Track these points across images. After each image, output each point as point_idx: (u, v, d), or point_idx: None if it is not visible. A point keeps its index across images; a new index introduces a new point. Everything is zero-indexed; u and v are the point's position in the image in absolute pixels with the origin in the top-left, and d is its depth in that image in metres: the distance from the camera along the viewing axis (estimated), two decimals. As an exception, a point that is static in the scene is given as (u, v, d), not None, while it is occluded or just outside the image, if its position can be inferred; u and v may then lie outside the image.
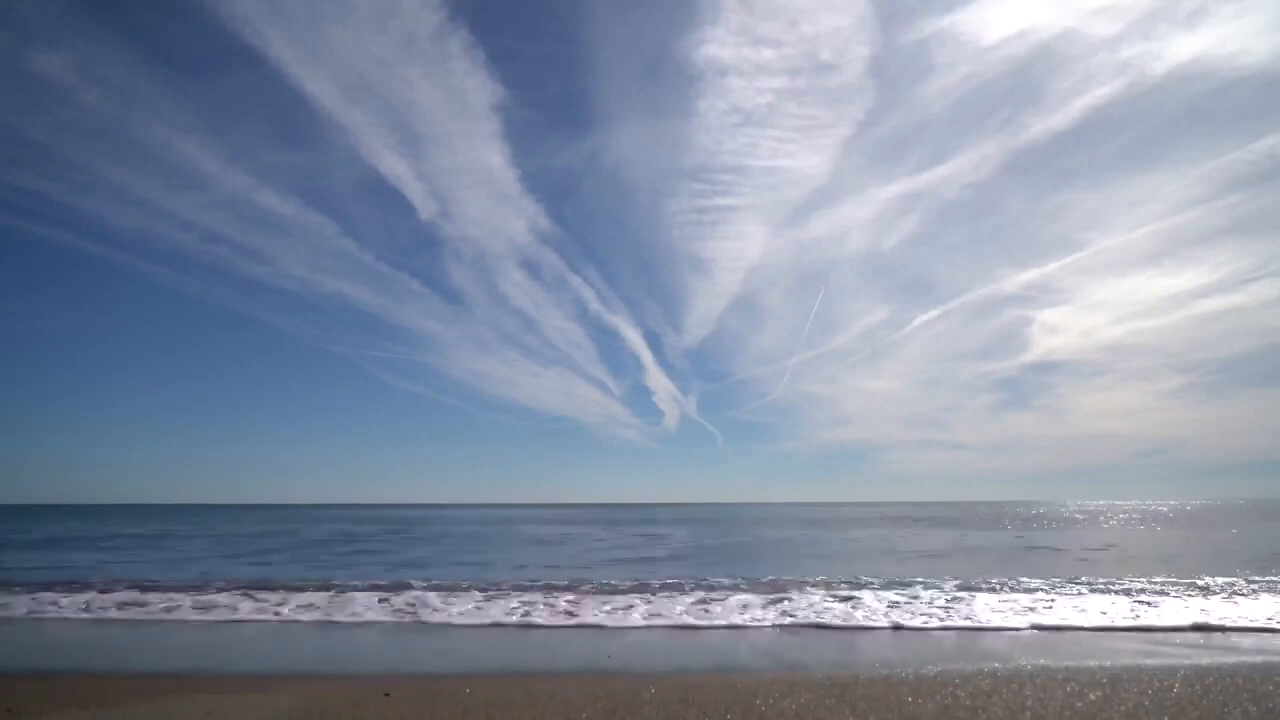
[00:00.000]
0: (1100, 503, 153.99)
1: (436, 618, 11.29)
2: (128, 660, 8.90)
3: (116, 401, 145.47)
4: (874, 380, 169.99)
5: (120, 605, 12.66)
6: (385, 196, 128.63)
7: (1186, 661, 7.90)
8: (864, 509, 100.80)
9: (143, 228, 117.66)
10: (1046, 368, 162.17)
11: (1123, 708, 5.92)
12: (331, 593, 13.94)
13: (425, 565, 20.77)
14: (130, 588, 15.17)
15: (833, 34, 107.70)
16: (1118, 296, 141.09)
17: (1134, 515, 64.47)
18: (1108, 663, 7.78)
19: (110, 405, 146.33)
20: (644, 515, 67.72)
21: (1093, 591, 13.96)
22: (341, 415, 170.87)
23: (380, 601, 12.74)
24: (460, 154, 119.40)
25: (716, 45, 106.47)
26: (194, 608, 12.25)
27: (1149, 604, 12.09)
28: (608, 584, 15.53)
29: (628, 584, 15.35)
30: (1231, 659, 8.08)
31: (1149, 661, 7.90)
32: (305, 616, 11.56)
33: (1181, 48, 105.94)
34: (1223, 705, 6.00)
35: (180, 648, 9.45)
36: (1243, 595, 13.25)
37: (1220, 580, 15.39)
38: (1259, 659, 8.12)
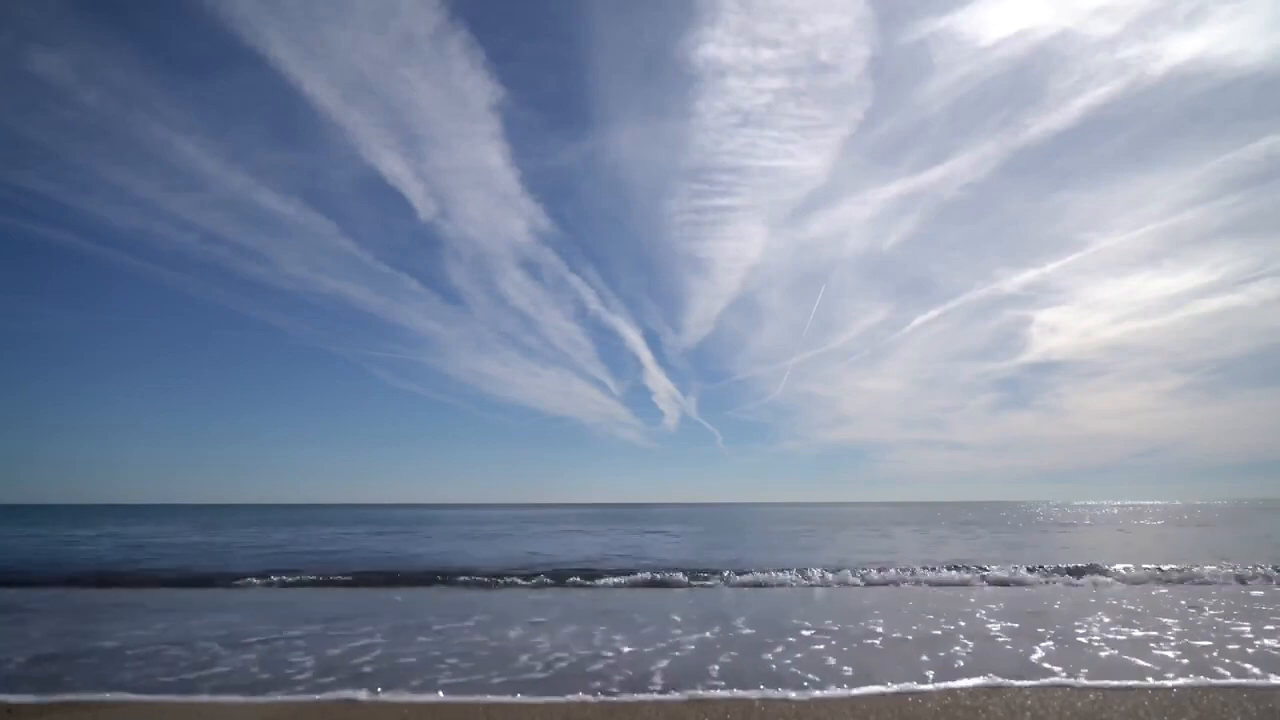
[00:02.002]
0: (1119, 503, 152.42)
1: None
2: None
3: (116, 401, 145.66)
4: (874, 380, 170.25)
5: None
6: (385, 196, 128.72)
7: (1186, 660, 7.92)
8: (882, 509, 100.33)
9: (143, 228, 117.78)
10: (1046, 368, 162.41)
11: (1122, 708, 5.93)
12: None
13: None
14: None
15: (831, 34, 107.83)
16: (1117, 296, 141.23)
17: (1182, 514, 61.68)
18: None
19: (110, 405, 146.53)
20: (658, 515, 67.51)
21: None
22: (341, 415, 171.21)
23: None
24: (459, 154, 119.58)
25: (715, 45, 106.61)
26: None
27: None
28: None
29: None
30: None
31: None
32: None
33: (1180, 48, 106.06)
34: (1223, 705, 6.01)
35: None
36: None
37: None
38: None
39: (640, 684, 6.90)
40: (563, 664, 7.82)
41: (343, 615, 11.22)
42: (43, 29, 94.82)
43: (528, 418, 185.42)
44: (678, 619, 10.70)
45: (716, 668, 7.54)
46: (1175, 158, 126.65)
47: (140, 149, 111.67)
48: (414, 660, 8.03)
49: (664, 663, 7.81)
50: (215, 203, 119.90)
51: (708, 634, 9.50)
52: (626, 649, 8.57)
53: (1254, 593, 13.91)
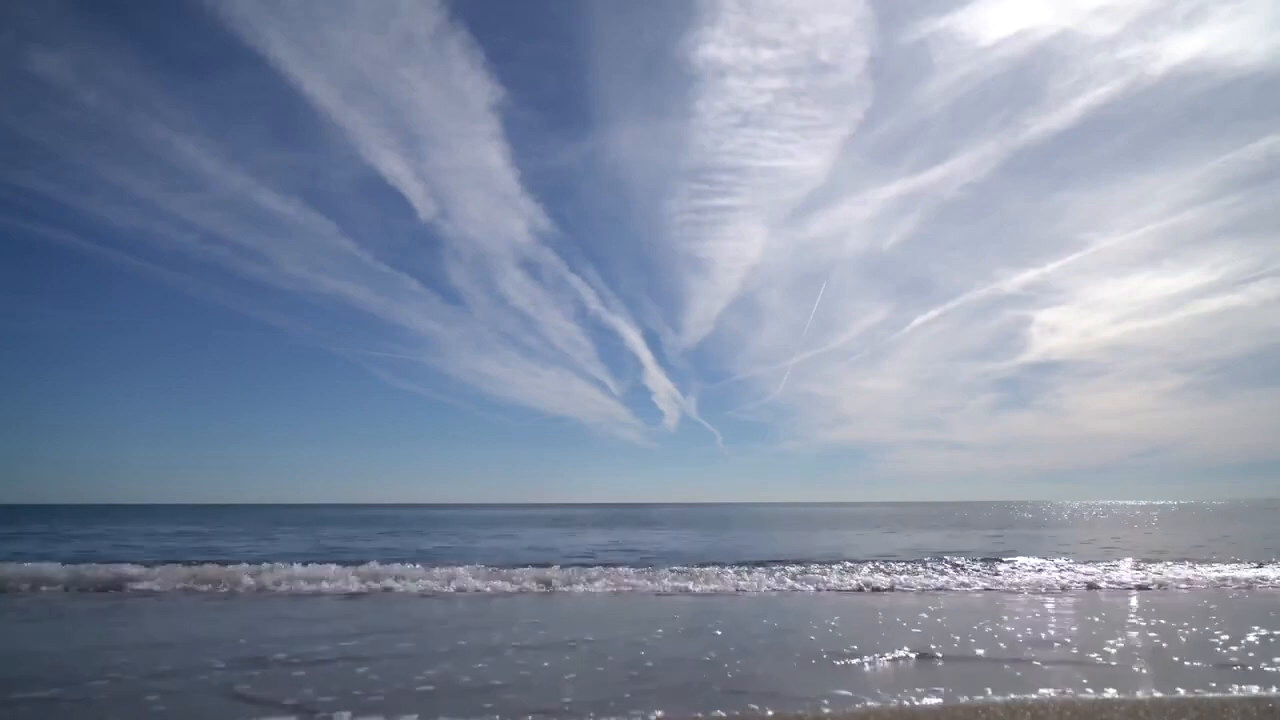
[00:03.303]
0: (1127, 502, 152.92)
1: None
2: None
3: (116, 401, 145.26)
4: (874, 380, 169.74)
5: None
6: (385, 196, 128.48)
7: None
8: (880, 509, 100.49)
9: (143, 228, 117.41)
10: (1046, 368, 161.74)
11: (1122, 708, 5.94)
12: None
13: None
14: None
15: (831, 34, 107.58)
16: (1117, 296, 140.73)
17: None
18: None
19: (110, 405, 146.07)
20: (654, 516, 67.85)
21: None
22: (341, 415, 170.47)
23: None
24: (459, 154, 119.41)
25: (715, 46, 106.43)
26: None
27: None
28: None
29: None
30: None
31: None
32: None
33: (1180, 48, 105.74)
34: (1223, 705, 6.01)
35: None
36: None
37: None
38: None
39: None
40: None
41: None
42: (43, 29, 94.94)
43: (528, 418, 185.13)
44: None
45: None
46: (1175, 158, 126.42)
47: (140, 149, 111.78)
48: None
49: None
50: (215, 203, 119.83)
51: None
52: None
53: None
